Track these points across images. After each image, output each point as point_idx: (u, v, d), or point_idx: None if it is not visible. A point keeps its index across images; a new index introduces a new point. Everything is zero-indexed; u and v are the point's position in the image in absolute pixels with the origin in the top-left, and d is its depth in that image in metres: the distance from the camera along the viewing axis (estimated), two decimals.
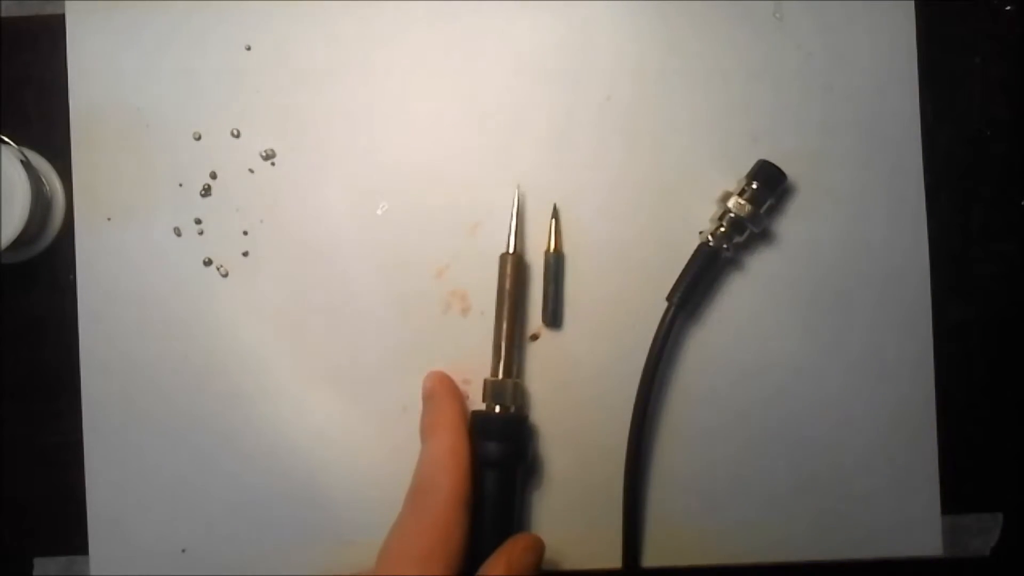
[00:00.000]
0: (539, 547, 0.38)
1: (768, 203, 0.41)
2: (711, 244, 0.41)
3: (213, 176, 0.43)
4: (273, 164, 0.43)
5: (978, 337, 0.44)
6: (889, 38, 0.43)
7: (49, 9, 0.44)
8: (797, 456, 0.43)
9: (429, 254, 0.43)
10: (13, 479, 0.44)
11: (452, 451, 0.38)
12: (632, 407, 0.41)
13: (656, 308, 0.42)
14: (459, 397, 0.41)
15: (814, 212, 0.43)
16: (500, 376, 0.41)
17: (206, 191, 0.43)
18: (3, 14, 0.44)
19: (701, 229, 0.42)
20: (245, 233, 0.43)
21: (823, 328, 0.43)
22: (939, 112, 0.44)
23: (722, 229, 0.41)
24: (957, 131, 0.44)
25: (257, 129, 0.43)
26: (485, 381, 0.41)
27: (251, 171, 0.43)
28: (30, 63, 0.44)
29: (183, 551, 0.43)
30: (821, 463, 0.43)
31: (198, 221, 0.43)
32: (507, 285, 0.41)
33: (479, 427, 0.40)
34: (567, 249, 0.43)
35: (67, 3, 0.43)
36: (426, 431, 0.40)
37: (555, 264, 0.42)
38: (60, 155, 0.43)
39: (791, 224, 0.43)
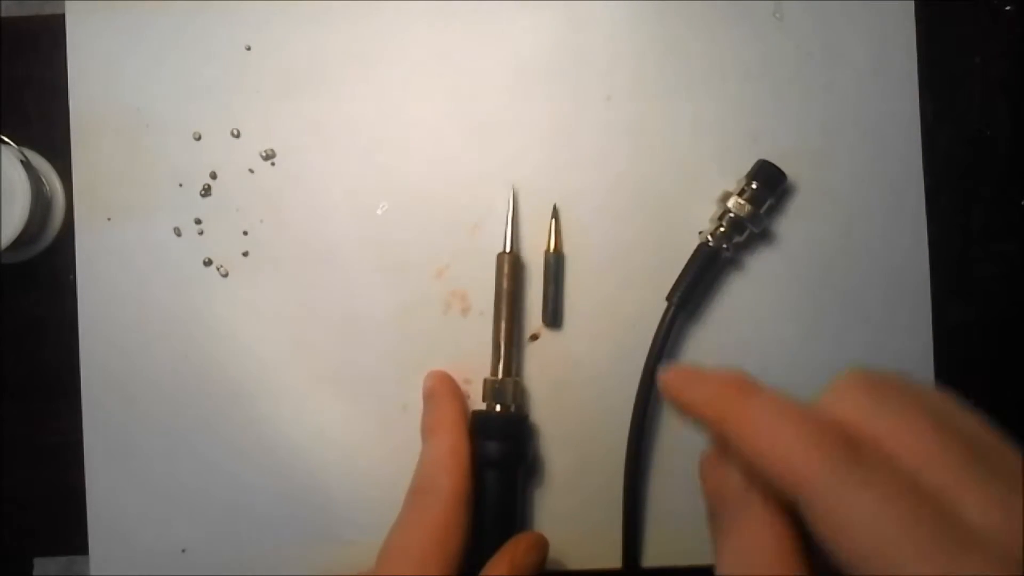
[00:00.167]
0: (543, 546, 0.38)
1: (768, 203, 0.41)
2: (711, 244, 0.41)
3: (213, 176, 0.43)
4: (273, 164, 0.43)
5: (978, 338, 0.44)
6: (889, 38, 0.43)
7: (49, 9, 0.44)
8: None
9: (429, 254, 0.43)
10: (13, 479, 0.44)
11: (453, 451, 0.38)
12: (632, 407, 0.41)
13: (656, 308, 0.42)
14: (460, 397, 0.41)
15: (814, 212, 0.43)
16: (500, 375, 0.41)
17: (206, 191, 0.43)
18: (3, 14, 0.44)
19: (701, 229, 0.42)
20: (245, 233, 0.43)
21: (823, 328, 0.43)
22: (939, 112, 0.44)
23: (722, 229, 0.41)
24: (957, 131, 0.44)
25: (257, 129, 0.43)
26: (485, 380, 0.41)
27: (251, 171, 0.43)
28: (30, 63, 0.44)
29: (183, 551, 0.43)
30: None
31: (198, 221, 0.43)
32: (505, 284, 0.41)
33: (479, 427, 0.40)
34: (567, 249, 0.43)
35: (67, 3, 0.43)
36: (426, 431, 0.40)
37: (555, 264, 0.42)
38: (60, 155, 0.43)
39: (791, 224, 0.43)
